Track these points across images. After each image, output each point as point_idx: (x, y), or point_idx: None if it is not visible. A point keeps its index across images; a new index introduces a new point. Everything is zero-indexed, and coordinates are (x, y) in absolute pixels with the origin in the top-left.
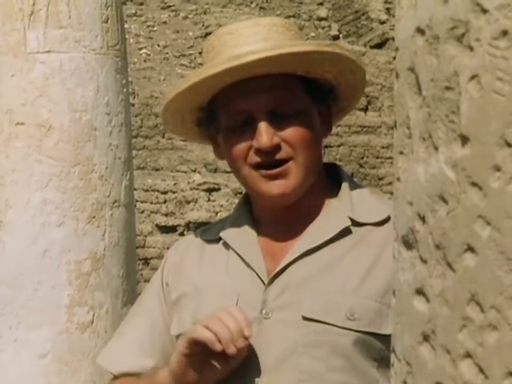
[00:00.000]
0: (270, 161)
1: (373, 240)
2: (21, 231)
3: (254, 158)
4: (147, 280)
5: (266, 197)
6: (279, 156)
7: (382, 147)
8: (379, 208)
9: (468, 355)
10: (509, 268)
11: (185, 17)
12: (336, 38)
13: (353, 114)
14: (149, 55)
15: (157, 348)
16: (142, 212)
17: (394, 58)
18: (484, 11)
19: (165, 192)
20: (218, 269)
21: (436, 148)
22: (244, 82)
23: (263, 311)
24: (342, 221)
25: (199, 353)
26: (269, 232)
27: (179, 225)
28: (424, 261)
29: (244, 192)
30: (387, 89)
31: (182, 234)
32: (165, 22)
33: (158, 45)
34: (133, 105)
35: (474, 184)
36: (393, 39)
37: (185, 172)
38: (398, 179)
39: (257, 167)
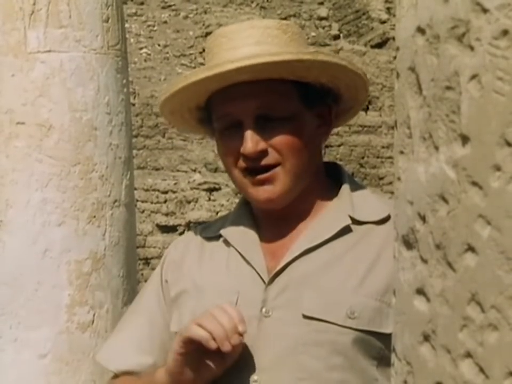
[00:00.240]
0: (256, 166)
1: (373, 239)
2: (21, 230)
3: (241, 164)
4: (147, 280)
5: (254, 201)
6: (265, 161)
7: (383, 147)
8: (379, 207)
9: (468, 355)
10: (509, 267)
11: (186, 17)
12: (336, 37)
13: None
14: (149, 54)
15: (156, 345)
16: (143, 211)
17: (394, 58)
18: (485, 11)
19: (165, 192)
20: (218, 267)
21: (436, 148)
22: (233, 87)
23: (263, 310)
24: (342, 219)
25: (195, 352)
26: (270, 230)
27: (179, 225)
28: (424, 261)
29: None
30: (388, 89)
31: (182, 234)
32: (165, 22)
33: (159, 45)
34: (134, 104)
35: (474, 183)
36: (393, 38)
37: (186, 172)
38: (399, 179)
39: (245, 171)
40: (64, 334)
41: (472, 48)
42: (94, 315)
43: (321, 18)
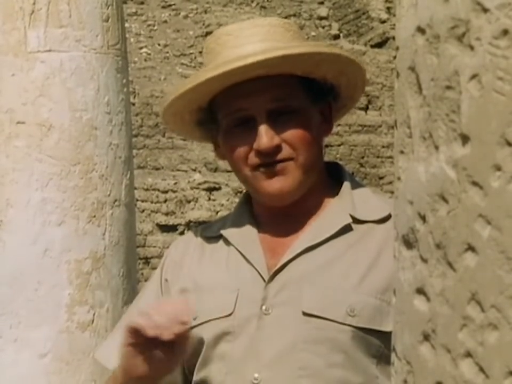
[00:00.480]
0: (270, 162)
1: (374, 238)
2: (21, 230)
3: (254, 160)
4: (147, 280)
5: (265, 195)
6: (280, 156)
7: (383, 146)
8: (380, 206)
9: (468, 354)
10: (509, 267)
11: (186, 16)
12: (336, 37)
13: (353, 113)
14: (149, 54)
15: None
16: (143, 211)
17: (394, 57)
18: (485, 10)
19: (165, 191)
20: (218, 266)
21: (437, 147)
22: (243, 83)
23: (263, 307)
24: (343, 218)
25: (142, 344)
26: (270, 229)
27: (179, 224)
28: (424, 260)
29: (244, 191)
30: (388, 88)
31: (182, 233)
32: (165, 21)
33: (159, 44)
34: (134, 104)
35: (474, 183)
36: (393, 38)
37: (186, 171)
38: (399, 178)
39: (257, 166)
40: (64, 334)
41: (472, 47)
42: (94, 314)
43: (321, 18)
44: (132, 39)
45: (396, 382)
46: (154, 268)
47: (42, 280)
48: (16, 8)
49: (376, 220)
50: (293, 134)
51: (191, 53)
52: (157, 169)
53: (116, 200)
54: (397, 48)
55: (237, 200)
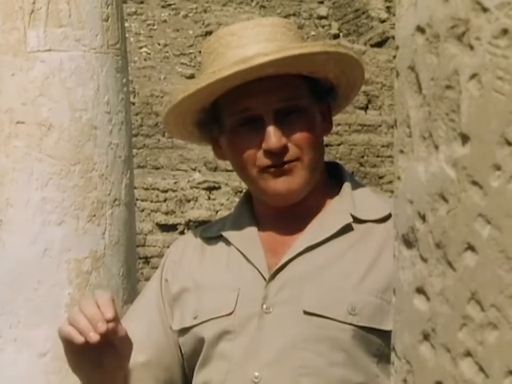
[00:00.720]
0: (278, 163)
1: (374, 237)
2: (21, 229)
3: (263, 160)
4: (147, 279)
5: (272, 195)
6: (287, 157)
7: (382, 146)
8: (380, 205)
9: (468, 354)
10: (509, 266)
11: (186, 16)
12: (336, 36)
13: (353, 113)
14: (149, 53)
15: (150, 344)
16: (142, 210)
17: (394, 57)
18: (484, 10)
19: (165, 191)
20: (218, 265)
21: (436, 147)
22: (249, 83)
23: (264, 306)
24: (343, 217)
25: (81, 347)
26: (270, 228)
27: (179, 223)
28: (424, 260)
29: (244, 190)
30: (387, 88)
31: (182, 233)
32: (165, 21)
33: (158, 44)
34: (133, 104)
35: (474, 183)
36: (393, 37)
37: (186, 171)
38: (398, 178)
39: (266, 168)
40: None
41: (472, 47)
42: None
43: (321, 17)
44: (131, 39)
45: (395, 381)
46: (154, 268)
47: (42, 280)
48: (15, 7)
49: (376, 219)
50: (299, 134)
51: (190, 53)
52: (157, 168)
53: (115, 200)
54: (397, 48)
55: (236, 199)
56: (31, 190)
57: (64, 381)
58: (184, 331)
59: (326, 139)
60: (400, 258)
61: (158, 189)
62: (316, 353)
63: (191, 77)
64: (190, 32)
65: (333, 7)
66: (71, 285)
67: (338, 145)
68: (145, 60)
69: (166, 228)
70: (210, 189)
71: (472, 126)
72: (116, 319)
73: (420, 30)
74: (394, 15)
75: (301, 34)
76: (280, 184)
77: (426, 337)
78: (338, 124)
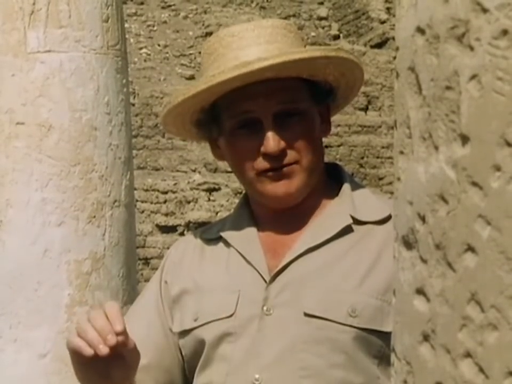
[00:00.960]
0: (277, 166)
1: (374, 238)
2: (21, 230)
3: (262, 164)
4: (147, 280)
5: (271, 198)
6: (286, 160)
7: (382, 147)
8: (380, 207)
9: (468, 355)
10: (509, 267)
11: (186, 17)
12: (336, 37)
13: (353, 114)
14: (149, 54)
15: (150, 347)
16: (142, 211)
17: (394, 58)
18: (484, 10)
19: (165, 192)
20: (218, 267)
21: (436, 148)
22: (249, 86)
23: (264, 308)
24: (343, 219)
25: (89, 359)
26: (270, 230)
27: (179, 225)
28: (424, 261)
29: (244, 192)
30: (387, 88)
31: (182, 234)
32: (165, 22)
33: (158, 45)
34: (133, 105)
35: (474, 183)
36: (393, 38)
37: (185, 172)
38: (398, 179)
39: (264, 171)
40: (64, 334)
41: (472, 48)
42: None
43: (321, 18)
44: (131, 40)
45: (395, 382)
46: (154, 269)
47: (42, 281)
48: (16, 8)
49: (376, 220)
50: (298, 137)
51: (190, 54)
52: (157, 169)
53: (115, 201)
54: (397, 49)
55: (236, 200)
56: (31, 191)
57: (64, 381)
58: (184, 333)
59: (325, 140)
60: (400, 259)
61: (158, 190)
62: (316, 355)
63: (191, 78)
64: (190, 33)
65: (333, 8)
66: (71, 285)
67: (338, 146)
68: (145, 60)
69: (166, 229)
70: (210, 190)
71: (472, 127)
72: (125, 331)
73: (420, 31)
74: (394, 16)
75: (301, 36)
76: (278, 188)
77: (426, 338)
78: (338, 125)
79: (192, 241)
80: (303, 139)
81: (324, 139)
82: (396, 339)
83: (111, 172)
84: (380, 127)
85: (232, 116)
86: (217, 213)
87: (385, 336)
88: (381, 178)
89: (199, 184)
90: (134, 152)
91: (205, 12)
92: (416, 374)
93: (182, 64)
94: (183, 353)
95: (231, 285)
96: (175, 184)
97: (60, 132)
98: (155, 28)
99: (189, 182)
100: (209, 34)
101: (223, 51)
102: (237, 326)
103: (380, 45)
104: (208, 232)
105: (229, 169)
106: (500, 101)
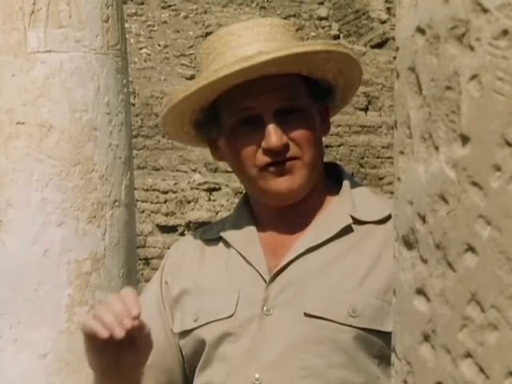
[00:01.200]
0: (279, 160)
1: (374, 238)
2: (21, 230)
3: (263, 159)
4: (148, 280)
5: (274, 194)
6: (288, 155)
7: (383, 147)
8: (380, 207)
9: (468, 355)
10: (509, 267)
11: (186, 17)
12: (336, 37)
13: (353, 114)
14: (149, 54)
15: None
16: (143, 211)
17: (394, 58)
18: (485, 11)
19: (165, 192)
20: (219, 267)
21: (436, 148)
22: (249, 83)
23: (264, 308)
24: (343, 219)
25: (106, 343)
26: (270, 230)
27: (179, 225)
28: (424, 261)
29: (244, 192)
30: (387, 89)
31: (182, 234)
32: (165, 22)
33: (159, 45)
34: (133, 105)
35: (474, 183)
36: (393, 38)
37: (186, 172)
38: (399, 179)
39: (266, 166)
40: (64, 334)
41: (472, 48)
42: None
43: (321, 18)
44: (131, 40)
45: (395, 382)
46: (154, 269)
47: (42, 281)
48: (16, 8)
49: (376, 220)
50: (299, 133)
51: (191, 54)
52: (157, 169)
53: (115, 201)
54: (397, 49)
55: (237, 200)
56: (31, 191)
57: (64, 381)
58: (184, 333)
59: (326, 140)
60: (400, 259)
61: (158, 190)
62: (317, 355)
63: (191, 78)
64: (190, 33)
65: (333, 8)
66: (71, 286)
67: (339, 146)
68: (145, 61)
69: (166, 229)
70: (210, 190)
71: (472, 127)
72: (140, 316)
73: (420, 31)
74: (394, 16)
75: (300, 35)
76: (280, 184)
77: (426, 338)
78: (339, 125)
79: (192, 241)
80: (304, 135)
81: (323, 139)
82: (396, 339)
83: (111, 171)
84: (380, 127)
85: (233, 113)
86: (217, 213)
87: (385, 336)
88: (381, 178)
89: (199, 184)
90: (134, 152)
91: (205, 12)
92: (416, 374)
93: (182, 64)
94: (184, 353)
95: (231, 285)
96: (175, 184)
97: (60, 131)
98: (155, 28)
99: (189, 182)
100: (209, 34)
101: (222, 50)
102: (237, 326)
103: (380, 45)
104: (208, 233)
105: (229, 169)
106: (500, 101)
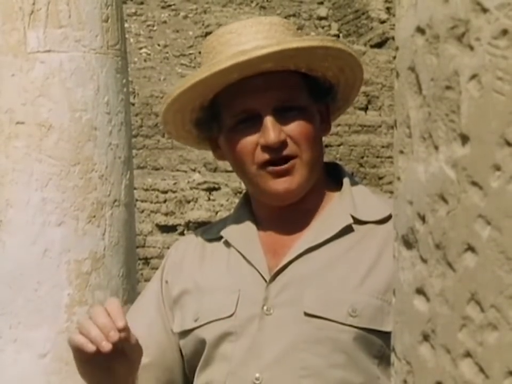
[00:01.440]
0: (277, 157)
1: (375, 238)
2: (21, 230)
3: (261, 156)
4: (147, 280)
5: (272, 194)
6: (286, 152)
7: (382, 146)
8: (380, 206)
9: (468, 354)
10: (509, 267)
11: (185, 17)
12: (336, 37)
13: (353, 113)
14: (149, 54)
15: (152, 346)
16: (142, 211)
17: (394, 57)
18: (484, 10)
19: (165, 192)
20: (219, 267)
21: (436, 147)
22: (248, 80)
23: (265, 307)
24: (344, 218)
25: (92, 356)
26: (270, 229)
27: (179, 224)
28: (424, 261)
29: (244, 191)
30: (387, 88)
31: (182, 233)
32: (165, 22)
33: (158, 45)
34: (133, 104)
35: (474, 183)
36: (393, 38)
37: (185, 171)
38: (398, 178)
39: (265, 164)
40: (64, 334)
41: (472, 48)
42: None
43: (320, 18)
44: (131, 40)
45: (395, 382)
46: (154, 268)
47: (42, 281)
48: (15, 8)
49: (376, 220)
50: (298, 130)
51: (190, 53)
52: (157, 169)
53: (115, 201)
54: (397, 49)
55: (236, 200)
56: (31, 191)
57: (64, 381)
58: (185, 333)
59: (326, 140)
60: (400, 259)
61: (158, 190)
62: (317, 354)
63: None
64: (190, 33)
65: (332, 8)
66: (71, 285)
67: (338, 146)
68: (145, 60)
69: (166, 228)
70: (210, 190)
71: (472, 127)
72: (127, 327)
73: (420, 30)
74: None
75: (299, 34)
76: (280, 184)
77: (426, 338)
78: (338, 125)
79: (193, 241)
80: (302, 133)
81: (323, 138)
82: (396, 339)
83: (111, 171)
84: (379, 126)
85: (233, 116)
86: (217, 213)
87: (385, 336)
88: (380, 178)
89: (199, 184)
90: (134, 151)
91: (205, 12)
92: (416, 374)
93: (182, 64)
94: (184, 353)
95: (231, 285)
96: (175, 183)
97: (60, 131)
98: (155, 28)
99: (188, 182)
100: (209, 34)
101: (221, 48)
102: (237, 326)
103: (379, 45)
104: (209, 232)
105: (229, 168)
106: (499, 100)
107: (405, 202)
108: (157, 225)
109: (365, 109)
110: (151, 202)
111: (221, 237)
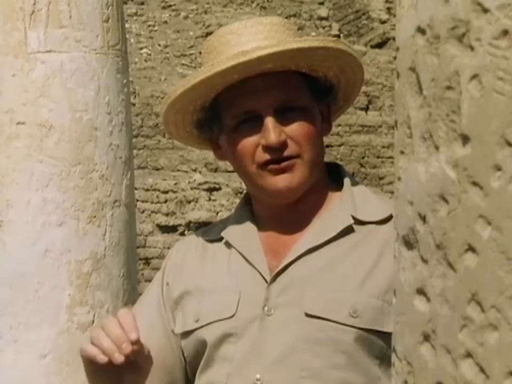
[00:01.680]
0: (278, 158)
1: (375, 238)
2: (21, 231)
3: (262, 156)
4: (148, 280)
5: (273, 191)
6: (287, 152)
7: (383, 147)
8: (381, 207)
9: (469, 355)
10: (510, 267)
11: (186, 17)
12: (336, 37)
13: (354, 113)
14: (149, 54)
15: (153, 346)
16: (143, 211)
17: (395, 58)
18: (485, 11)
19: (165, 192)
20: (220, 268)
21: (437, 148)
22: (249, 81)
23: (265, 308)
24: (344, 219)
25: (103, 366)
26: (271, 230)
27: (180, 225)
28: (425, 261)
29: (244, 191)
30: (388, 88)
31: (182, 234)
32: (165, 22)
33: (159, 45)
34: (134, 104)
35: (475, 183)
36: (394, 38)
37: (186, 172)
38: (399, 179)
39: (265, 164)
40: (64, 334)
41: (472, 48)
42: (94, 315)
43: (321, 18)
44: (132, 40)
45: (396, 382)
46: (154, 269)
47: (42, 281)
48: (16, 8)
49: (377, 220)
50: (299, 131)
51: (191, 54)
52: (157, 169)
53: (116, 201)
54: (397, 49)
55: (237, 200)
56: (32, 191)
57: (65, 382)
58: (186, 334)
59: (326, 140)
60: (401, 260)
61: (159, 190)
62: (317, 355)
63: None
64: (191, 33)
65: (333, 8)
66: (72, 286)
67: (339, 146)
68: (145, 60)
69: (167, 229)
70: (210, 190)
71: (472, 127)
72: (139, 339)
73: (421, 31)
74: (394, 16)
75: (300, 34)
76: (280, 182)
77: (426, 338)
78: (339, 125)
79: (194, 242)
80: (304, 133)
81: (324, 138)
82: (397, 339)
83: (112, 171)
84: (380, 126)
85: (234, 116)
86: (217, 213)
87: (386, 337)
88: (381, 178)
89: (200, 184)
90: (135, 152)
91: (206, 12)
92: (416, 374)
93: (183, 64)
94: (185, 354)
95: (232, 286)
96: (175, 183)
97: (61, 132)
98: (155, 28)
99: (189, 182)
100: (209, 34)
101: (222, 48)
102: (238, 327)
103: (380, 45)
104: (210, 233)
105: (230, 168)
106: (500, 101)
107: (405, 203)
108: (158, 225)
109: (366, 109)
110: (152, 202)
111: (222, 238)
